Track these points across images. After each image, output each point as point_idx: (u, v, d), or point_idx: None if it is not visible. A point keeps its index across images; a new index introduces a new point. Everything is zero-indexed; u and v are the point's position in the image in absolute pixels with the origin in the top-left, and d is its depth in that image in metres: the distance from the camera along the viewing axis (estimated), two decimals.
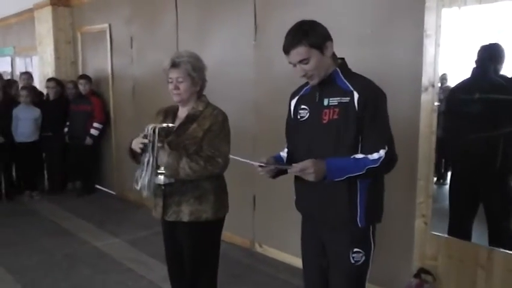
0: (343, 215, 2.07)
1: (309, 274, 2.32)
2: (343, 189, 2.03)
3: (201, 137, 2.44)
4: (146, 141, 2.33)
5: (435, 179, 2.89)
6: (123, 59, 5.99)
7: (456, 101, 2.80)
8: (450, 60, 2.71)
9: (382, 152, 1.96)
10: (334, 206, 2.08)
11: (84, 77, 6.31)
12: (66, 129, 6.32)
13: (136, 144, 2.37)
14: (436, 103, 2.75)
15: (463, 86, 2.78)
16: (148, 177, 2.36)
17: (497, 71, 2.67)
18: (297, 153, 2.17)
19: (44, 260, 4.14)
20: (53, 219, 5.34)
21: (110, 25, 6.13)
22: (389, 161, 1.99)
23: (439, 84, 2.76)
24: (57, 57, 6.85)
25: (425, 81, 2.79)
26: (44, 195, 6.32)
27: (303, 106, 2.20)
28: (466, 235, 2.81)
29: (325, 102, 2.08)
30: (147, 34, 5.55)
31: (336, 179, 1.96)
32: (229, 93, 4.28)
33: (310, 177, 1.93)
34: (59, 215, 5.50)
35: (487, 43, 2.63)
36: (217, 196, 2.54)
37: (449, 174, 2.98)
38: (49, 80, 6.43)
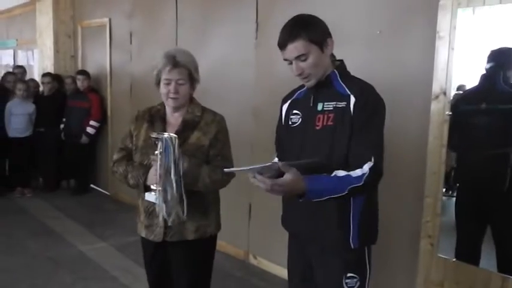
0: (333, 233, 1.84)
1: None
2: (334, 204, 1.80)
3: (208, 146, 2.18)
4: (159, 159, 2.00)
5: (444, 190, 2.64)
6: (122, 55, 5.78)
7: (461, 112, 2.56)
8: (465, 66, 2.45)
9: (366, 168, 1.71)
10: (324, 223, 1.84)
11: (83, 72, 6.11)
12: (62, 126, 6.12)
13: (154, 177, 2.06)
14: (448, 113, 2.49)
15: (469, 95, 2.56)
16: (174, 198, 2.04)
17: (507, 78, 2.44)
18: (287, 161, 1.90)
19: (25, 263, 3.92)
20: (41, 219, 5.13)
21: (110, 19, 5.92)
22: (373, 176, 1.73)
23: (452, 92, 2.50)
24: (57, 51, 6.66)
25: (436, 88, 2.53)
26: (37, 193, 6.12)
27: (295, 111, 1.97)
28: (473, 259, 2.56)
29: (320, 106, 1.86)
30: (146, 30, 5.34)
31: (314, 200, 1.71)
32: (227, 94, 4.05)
33: (277, 193, 1.67)
34: (48, 215, 5.29)
35: (497, 47, 2.39)
36: (217, 209, 2.34)
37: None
38: (44, 75, 6.25)
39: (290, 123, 1.98)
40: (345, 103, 1.80)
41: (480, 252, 2.60)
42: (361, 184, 1.70)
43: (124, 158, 2.29)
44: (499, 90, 2.47)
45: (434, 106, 2.54)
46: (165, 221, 2.17)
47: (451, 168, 2.68)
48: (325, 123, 1.83)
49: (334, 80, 1.87)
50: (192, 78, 2.21)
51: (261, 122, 3.90)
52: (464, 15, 2.38)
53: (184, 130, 2.20)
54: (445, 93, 2.50)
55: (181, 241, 2.22)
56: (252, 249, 4.09)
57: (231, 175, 2.23)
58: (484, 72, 2.47)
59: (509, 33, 2.31)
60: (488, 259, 2.53)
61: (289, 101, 2.04)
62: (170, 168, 2.00)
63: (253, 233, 4.07)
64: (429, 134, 2.58)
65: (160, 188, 2.02)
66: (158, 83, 2.22)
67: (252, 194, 3.98)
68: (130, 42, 5.58)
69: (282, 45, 1.83)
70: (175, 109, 2.25)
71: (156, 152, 2.01)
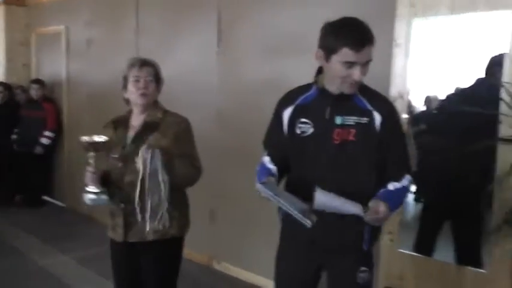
0: (350, 242, 1.96)
1: None
2: (351, 216, 1.84)
3: (169, 146, 2.23)
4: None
5: None
6: (80, 64, 5.71)
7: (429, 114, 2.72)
8: (420, 72, 2.62)
9: (408, 177, 1.92)
10: (341, 233, 1.93)
11: (37, 81, 5.97)
12: (14, 137, 5.94)
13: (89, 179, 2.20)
14: (406, 115, 2.65)
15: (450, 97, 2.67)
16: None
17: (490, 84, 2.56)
18: (300, 174, 1.97)
19: None
20: None
21: (67, 27, 5.84)
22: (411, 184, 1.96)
23: (410, 96, 2.67)
24: (9, 60, 6.47)
25: (394, 92, 2.69)
26: None
27: (303, 120, 1.93)
28: (429, 251, 2.72)
29: (338, 120, 1.85)
30: (105, 39, 5.30)
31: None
32: (191, 101, 4.09)
33: (380, 223, 1.86)
34: (3, 230, 5.08)
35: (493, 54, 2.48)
36: (182, 211, 2.37)
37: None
38: None
39: (299, 132, 1.93)
40: (367, 119, 1.83)
41: (435, 245, 2.76)
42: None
43: None
44: (478, 94, 2.61)
45: None
46: (124, 221, 2.26)
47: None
48: (345, 138, 1.83)
49: (354, 93, 1.86)
50: (158, 78, 2.32)
51: (227, 127, 3.97)
52: (419, 24, 2.55)
53: (144, 132, 2.27)
54: (402, 97, 2.66)
55: (144, 242, 2.26)
56: (216, 254, 4.13)
57: (201, 169, 2.31)
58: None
59: (461, 42, 2.51)
60: (442, 251, 2.70)
61: (292, 107, 1.97)
62: (157, 173, 2.10)
63: (217, 239, 4.11)
64: None
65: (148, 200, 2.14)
66: (125, 86, 2.31)
67: (213, 200, 4.03)
68: (88, 51, 5.52)
69: (360, 45, 1.74)
70: (143, 109, 2.32)
71: (115, 156, 2.19)
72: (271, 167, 2.03)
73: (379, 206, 1.77)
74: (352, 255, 1.98)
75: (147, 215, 2.16)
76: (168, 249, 2.33)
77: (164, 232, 2.25)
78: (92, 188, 2.17)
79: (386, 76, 2.70)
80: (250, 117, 3.69)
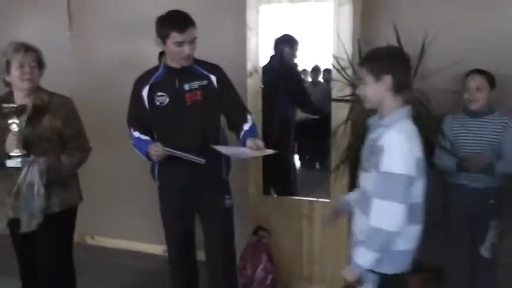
0: (213, 173, 2.53)
1: (179, 238, 2.68)
2: (213, 153, 2.42)
3: (61, 126, 2.44)
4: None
5: None
6: None
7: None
8: (269, 49, 3.24)
9: (250, 115, 2.51)
10: (206, 168, 2.43)
11: None
12: None
13: (13, 143, 2.31)
14: (261, 86, 3.23)
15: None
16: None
17: (283, 58, 3.36)
18: (164, 136, 2.44)
19: None
20: None
21: None
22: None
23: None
24: None
25: (250, 67, 3.23)
26: None
27: (160, 93, 2.44)
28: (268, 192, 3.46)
29: (186, 87, 2.42)
30: None
31: None
32: (46, 86, 4.05)
33: (260, 154, 2.37)
34: None
35: (280, 35, 3.32)
36: (77, 180, 2.66)
37: None
38: None
39: (158, 103, 2.45)
40: (207, 81, 2.45)
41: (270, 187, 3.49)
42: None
43: None
44: (275, 68, 3.36)
45: (250, 82, 3.23)
46: None
47: None
48: (194, 99, 2.41)
49: (191, 65, 2.44)
50: (41, 63, 2.47)
51: (87, 110, 4.01)
52: (265, 10, 3.11)
53: (36, 114, 2.43)
54: (257, 71, 3.21)
55: (48, 215, 2.41)
56: (87, 230, 4.30)
57: (90, 148, 2.59)
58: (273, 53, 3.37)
59: (295, 25, 3.25)
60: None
61: (147, 86, 2.46)
62: (33, 185, 2.28)
63: (86, 216, 4.20)
64: (248, 105, 3.27)
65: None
66: (8, 70, 2.39)
67: (81, 180, 4.13)
68: None
69: (185, 26, 2.29)
70: (28, 93, 2.44)
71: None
72: (146, 137, 2.52)
73: (257, 141, 2.34)
74: (216, 187, 2.59)
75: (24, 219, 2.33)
76: (72, 217, 2.64)
77: (68, 201, 2.52)
78: (17, 152, 2.29)
79: (242, 55, 3.23)
80: (109, 96, 3.92)
